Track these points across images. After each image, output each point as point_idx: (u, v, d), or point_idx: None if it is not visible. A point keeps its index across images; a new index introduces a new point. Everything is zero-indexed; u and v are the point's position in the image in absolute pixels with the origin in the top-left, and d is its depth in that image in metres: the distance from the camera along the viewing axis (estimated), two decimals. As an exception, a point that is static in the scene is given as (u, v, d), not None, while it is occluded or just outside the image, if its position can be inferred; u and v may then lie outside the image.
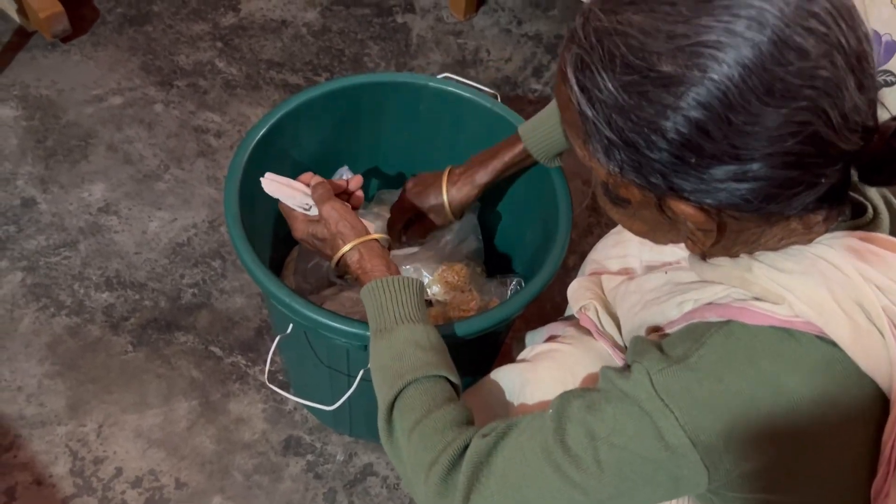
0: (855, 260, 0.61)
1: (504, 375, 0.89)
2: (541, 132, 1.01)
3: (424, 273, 1.10)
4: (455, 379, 0.77)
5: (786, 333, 0.61)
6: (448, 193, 1.07)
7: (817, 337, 0.60)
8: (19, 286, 1.38)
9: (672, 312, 0.72)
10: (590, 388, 0.68)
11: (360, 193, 1.00)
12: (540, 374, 0.87)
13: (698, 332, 0.65)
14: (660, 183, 0.59)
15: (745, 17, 0.53)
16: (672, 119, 0.55)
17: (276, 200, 0.95)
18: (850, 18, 0.55)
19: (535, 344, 0.95)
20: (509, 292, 1.12)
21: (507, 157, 1.04)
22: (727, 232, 0.63)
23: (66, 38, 1.72)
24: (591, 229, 1.59)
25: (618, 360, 0.88)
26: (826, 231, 0.64)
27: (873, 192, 0.66)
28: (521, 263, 1.20)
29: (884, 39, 1.17)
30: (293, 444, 1.26)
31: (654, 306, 0.76)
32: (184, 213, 1.50)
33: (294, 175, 0.97)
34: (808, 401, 0.60)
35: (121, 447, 1.24)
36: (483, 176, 1.05)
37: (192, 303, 1.39)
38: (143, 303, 1.38)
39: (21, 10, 1.70)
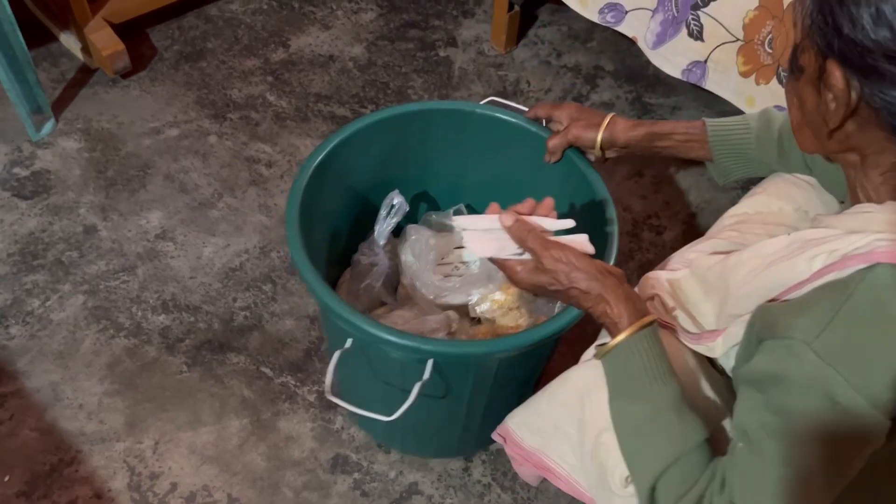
0: None
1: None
2: (727, 135, 1.02)
3: (474, 291, 1.13)
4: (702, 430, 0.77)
5: None
6: (611, 119, 1.07)
7: None
8: (81, 309, 1.44)
9: (801, 268, 0.71)
10: (749, 396, 0.70)
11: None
12: (581, 370, 0.89)
13: (840, 286, 0.66)
14: (831, 41, 0.66)
15: None
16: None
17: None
18: None
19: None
20: (556, 310, 1.15)
21: (682, 127, 1.04)
22: (856, 118, 0.69)
23: (126, 75, 1.81)
24: (632, 254, 1.61)
25: (688, 342, 0.89)
26: None
27: None
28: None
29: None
30: (341, 462, 1.29)
31: (781, 263, 0.75)
32: (236, 239, 1.56)
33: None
34: None
35: (176, 463, 1.28)
36: (653, 125, 1.05)
37: (243, 325, 1.44)
38: (197, 325, 1.44)
39: (85, 49, 1.79)
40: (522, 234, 0.83)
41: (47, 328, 1.42)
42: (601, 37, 1.98)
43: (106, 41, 1.74)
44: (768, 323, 0.69)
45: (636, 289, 0.96)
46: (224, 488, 1.26)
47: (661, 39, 1.49)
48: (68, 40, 1.83)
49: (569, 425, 0.92)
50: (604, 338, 0.96)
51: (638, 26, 1.54)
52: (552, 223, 0.86)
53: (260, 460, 1.29)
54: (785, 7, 1.30)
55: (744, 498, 0.69)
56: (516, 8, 1.87)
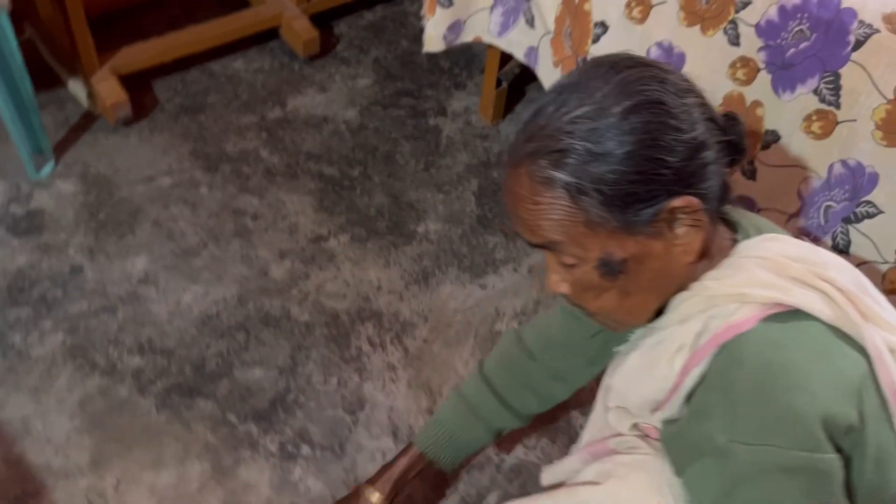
0: (772, 244, 0.80)
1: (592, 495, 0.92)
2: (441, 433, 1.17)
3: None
4: None
5: (768, 319, 0.74)
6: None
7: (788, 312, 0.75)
8: (60, 346, 1.50)
9: (665, 372, 0.80)
10: None
11: None
12: (632, 484, 0.88)
13: (715, 380, 0.74)
14: (656, 192, 0.74)
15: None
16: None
17: None
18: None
19: (592, 462, 0.99)
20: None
21: (407, 462, 1.19)
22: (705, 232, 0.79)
23: (127, 123, 1.90)
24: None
25: None
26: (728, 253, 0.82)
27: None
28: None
29: (867, 171, 1.26)
30: (295, 512, 1.34)
31: (645, 379, 0.83)
32: (216, 287, 1.62)
33: None
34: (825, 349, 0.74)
35: (135, 502, 1.32)
36: (389, 477, 1.18)
37: (214, 371, 1.50)
38: (169, 368, 1.49)
39: (90, 96, 1.88)
40: None
41: (25, 363, 1.47)
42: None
43: (110, 91, 1.83)
44: (683, 448, 0.76)
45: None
46: (179, 531, 1.30)
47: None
48: (75, 87, 1.93)
49: None
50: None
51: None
52: None
53: (216, 505, 1.33)
54: (748, 104, 1.38)
55: None
56: (504, 84, 1.97)
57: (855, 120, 1.25)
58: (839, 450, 0.73)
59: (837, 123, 1.27)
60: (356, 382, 1.50)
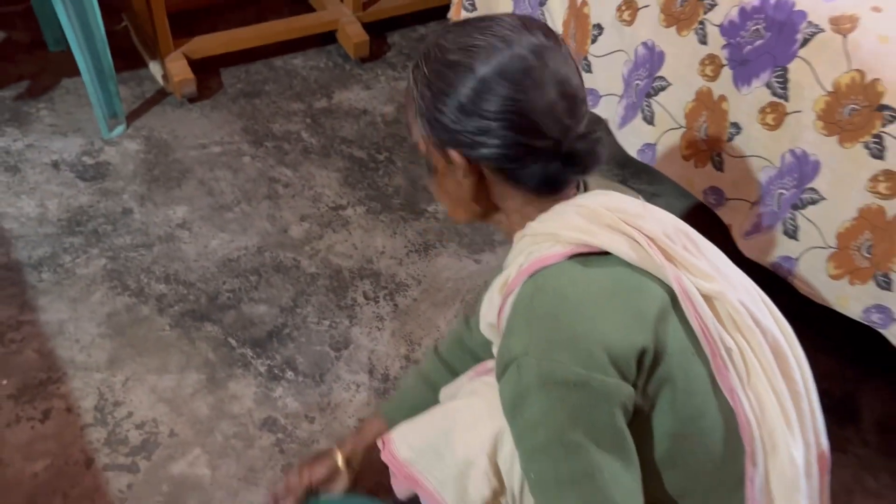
0: (597, 197, 0.91)
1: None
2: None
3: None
4: None
5: (575, 257, 0.86)
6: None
7: (592, 254, 0.85)
8: (101, 269, 1.75)
9: (496, 301, 0.94)
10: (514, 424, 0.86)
11: None
12: (487, 400, 1.01)
13: (518, 303, 0.86)
14: (445, 137, 0.88)
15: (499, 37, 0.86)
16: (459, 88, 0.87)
17: None
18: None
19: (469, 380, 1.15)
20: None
21: (375, 427, 1.30)
22: (489, 184, 0.91)
23: (193, 100, 2.18)
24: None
25: None
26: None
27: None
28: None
29: (811, 159, 1.36)
30: (270, 423, 1.51)
31: (487, 307, 0.98)
32: (240, 237, 1.85)
33: None
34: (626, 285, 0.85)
35: (137, 398, 1.52)
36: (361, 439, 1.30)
37: (225, 303, 1.70)
38: (188, 297, 1.71)
39: (164, 75, 2.17)
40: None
41: (70, 279, 1.72)
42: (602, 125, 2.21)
43: (179, 69, 2.11)
44: (497, 364, 0.87)
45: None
46: (169, 424, 1.49)
47: (624, 121, 1.71)
48: (154, 67, 2.23)
49: (443, 448, 1.05)
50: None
51: (609, 109, 1.77)
52: None
53: (204, 408, 1.52)
54: (715, 99, 1.51)
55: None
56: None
57: (800, 111, 1.36)
58: (638, 377, 0.82)
59: (787, 115, 1.38)
60: (346, 326, 1.68)
